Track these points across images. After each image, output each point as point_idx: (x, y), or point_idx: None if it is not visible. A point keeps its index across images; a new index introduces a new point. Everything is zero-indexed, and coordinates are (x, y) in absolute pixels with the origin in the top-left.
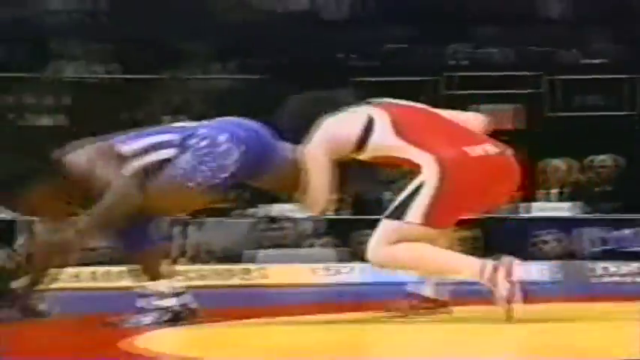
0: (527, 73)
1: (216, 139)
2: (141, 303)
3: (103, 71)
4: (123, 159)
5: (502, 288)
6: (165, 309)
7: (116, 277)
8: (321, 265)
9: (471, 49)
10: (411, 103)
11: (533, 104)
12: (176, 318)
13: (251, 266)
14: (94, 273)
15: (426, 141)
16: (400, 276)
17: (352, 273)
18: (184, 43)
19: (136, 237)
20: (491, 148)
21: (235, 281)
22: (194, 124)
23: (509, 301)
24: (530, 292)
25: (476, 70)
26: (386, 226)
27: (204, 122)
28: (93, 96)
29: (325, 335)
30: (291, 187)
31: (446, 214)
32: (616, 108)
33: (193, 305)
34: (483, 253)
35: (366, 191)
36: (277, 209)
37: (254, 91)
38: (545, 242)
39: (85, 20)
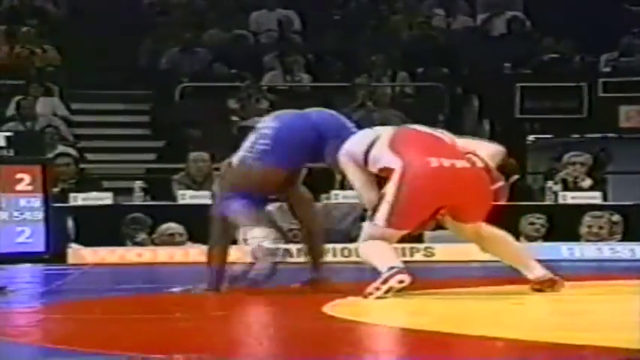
0: None
1: (260, 128)
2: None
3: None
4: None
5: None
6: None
7: None
8: None
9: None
10: (430, 130)
11: None
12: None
13: (432, 245)
14: None
15: (403, 150)
16: None
17: None
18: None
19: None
20: (461, 163)
21: (418, 257)
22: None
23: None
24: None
25: (621, 76)
26: (365, 225)
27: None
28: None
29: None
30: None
31: (405, 216)
32: None
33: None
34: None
35: None
36: None
37: (426, 96)
38: None
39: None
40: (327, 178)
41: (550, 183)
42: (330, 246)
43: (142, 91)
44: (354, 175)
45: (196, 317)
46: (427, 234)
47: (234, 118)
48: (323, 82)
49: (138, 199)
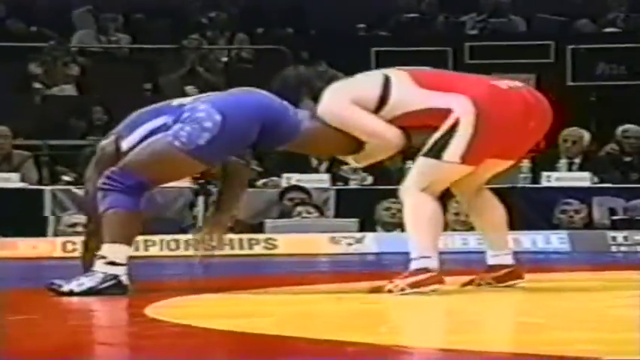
0: (549, 42)
1: (197, 108)
2: (95, 266)
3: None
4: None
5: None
6: (113, 276)
7: None
8: (338, 235)
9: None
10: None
11: (553, 73)
12: (114, 287)
13: (272, 235)
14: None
15: (450, 85)
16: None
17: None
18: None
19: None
20: (513, 83)
21: (258, 250)
22: (188, 101)
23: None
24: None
25: (491, 40)
26: (423, 165)
27: (201, 97)
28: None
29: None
30: (325, 151)
31: (484, 150)
32: (631, 78)
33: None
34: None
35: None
36: (296, 178)
37: (267, 62)
38: (565, 212)
39: None
40: None
41: (410, 163)
42: (156, 237)
43: None
44: (366, 118)
45: None
46: (268, 223)
47: (37, 86)
48: (145, 44)
49: None
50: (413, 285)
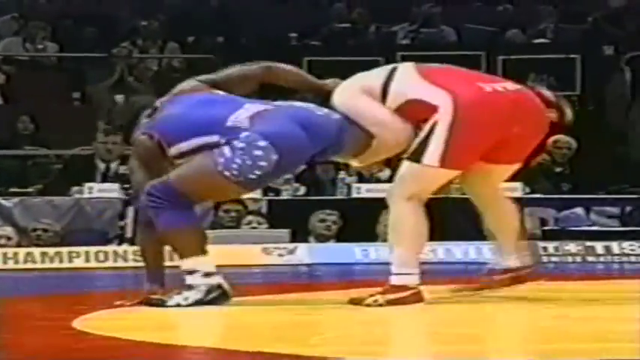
0: (480, 53)
1: (255, 143)
2: (189, 280)
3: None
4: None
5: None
6: (217, 286)
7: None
8: (270, 246)
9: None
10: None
11: None
12: (221, 296)
13: None
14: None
15: (443, 80)
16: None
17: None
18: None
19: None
20: (510, 85)
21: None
22: (243, 121)
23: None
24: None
25: (423, 50)
26: (406, 169)
27: (251, 120)
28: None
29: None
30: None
31: (464, 153)
32: (558, 88)
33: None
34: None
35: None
36: None
37: (198, 71)
38: None
39: None
40: (84, 169)
41: (343, 174)
42: (82, 249)
43: None
44: (374, 106)
45: None
46: None
47: None
48: (73, 52)
49: None
50: (391, 302)
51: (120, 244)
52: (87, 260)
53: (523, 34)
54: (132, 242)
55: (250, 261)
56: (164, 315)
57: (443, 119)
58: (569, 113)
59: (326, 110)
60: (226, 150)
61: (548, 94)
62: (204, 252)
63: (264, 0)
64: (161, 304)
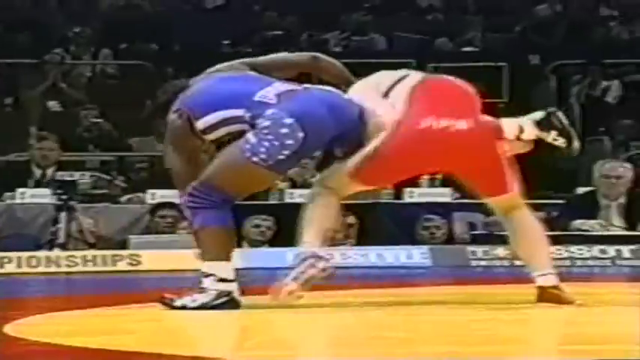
0: (409, 60)
1: (282, 120)
2: (204, 283)
3: None
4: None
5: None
6: (226, 293)
7: None
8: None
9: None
10: (463, 82)
11: None
12: (227, 304)
13: (137, 252)
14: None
15: (414, 103)
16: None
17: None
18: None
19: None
20: (463, 124)
21: (122, 267)
22: (271, 97)
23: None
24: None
25: (354, 57)
26: (338, 164)
27: (279, 98)
28: None
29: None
30: None
31: (375, 175)
32: (490, 95)
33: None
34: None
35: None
36: (161, 194)
37: (132, 77)
38: (427, 228)
39: None
40: (19, 175)
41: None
42: (14, 254)
43: None
44: (371, 95)
45: None
46: (132, 239)
47: None
48: (5, 58)
49: None
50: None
51: (52, 249)
52: (19, 266)
53: (452, 43)
54: (64, 247)
55: (184, 266)
56: (98, 320)
57: (377, 139)
58: (576, 145)
59: (349, 98)
60: (251, 136)
61: (564, 120)
62: (226, 258)
63: (197, 7)
64: (169, 303)
